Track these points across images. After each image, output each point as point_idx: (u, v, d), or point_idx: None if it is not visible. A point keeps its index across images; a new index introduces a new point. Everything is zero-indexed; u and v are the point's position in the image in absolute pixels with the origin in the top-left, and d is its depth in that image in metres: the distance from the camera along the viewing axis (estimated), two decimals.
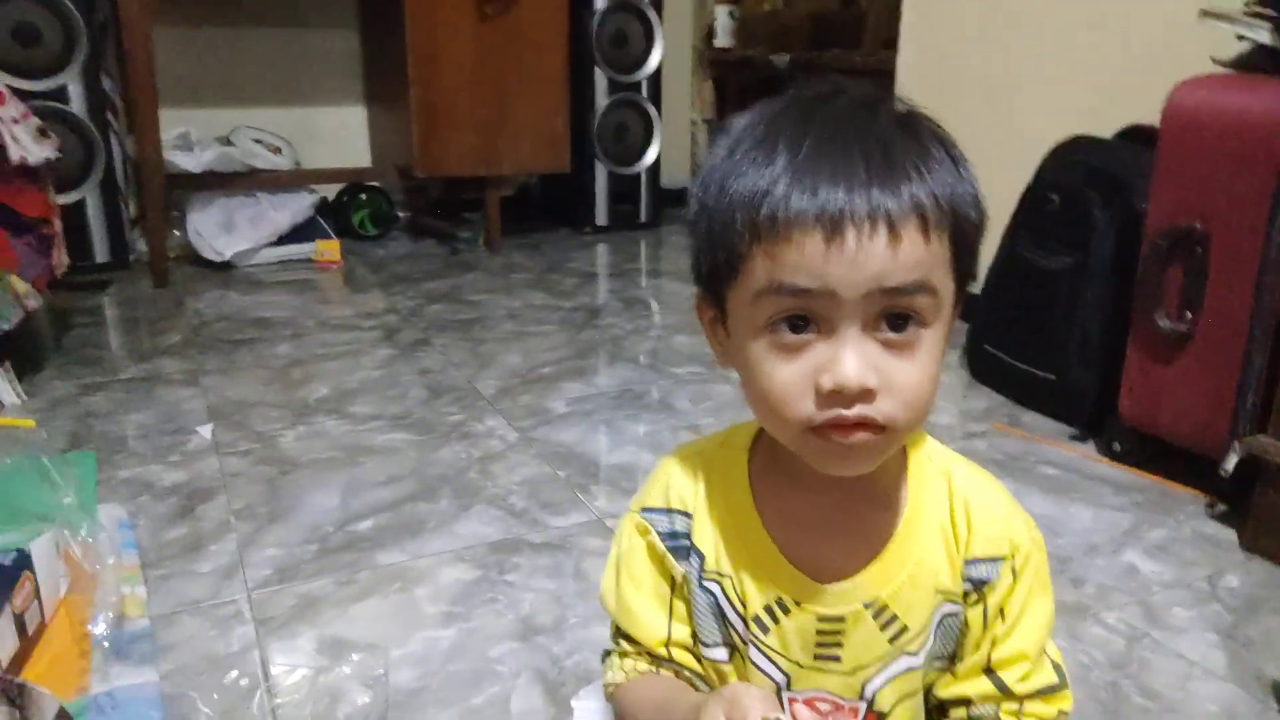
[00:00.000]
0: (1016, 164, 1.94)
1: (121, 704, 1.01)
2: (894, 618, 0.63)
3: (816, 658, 0.65)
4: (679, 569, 0.67)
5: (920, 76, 2.53)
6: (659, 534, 0.67)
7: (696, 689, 0.68)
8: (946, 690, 0.66)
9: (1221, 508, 1.47)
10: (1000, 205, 1.97)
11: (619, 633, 0.70)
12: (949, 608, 0.64)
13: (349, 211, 3.26)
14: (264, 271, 2.90)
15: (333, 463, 1.62)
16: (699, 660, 0.68)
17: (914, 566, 0.63)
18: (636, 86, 3.31)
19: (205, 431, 1.74)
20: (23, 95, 2.48)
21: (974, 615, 0.64)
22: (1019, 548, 0.63)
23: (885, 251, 0.51)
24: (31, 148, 1.87)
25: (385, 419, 1.81)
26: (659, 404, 1.90)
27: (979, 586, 0.63)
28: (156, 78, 2.87)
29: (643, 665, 0.69)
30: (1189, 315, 1.49)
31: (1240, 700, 1.06)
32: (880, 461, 0.58)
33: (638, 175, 3.41)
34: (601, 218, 3.41)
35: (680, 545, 0.67)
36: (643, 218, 3.48)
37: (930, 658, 0.65)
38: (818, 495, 0.63)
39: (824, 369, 0.53)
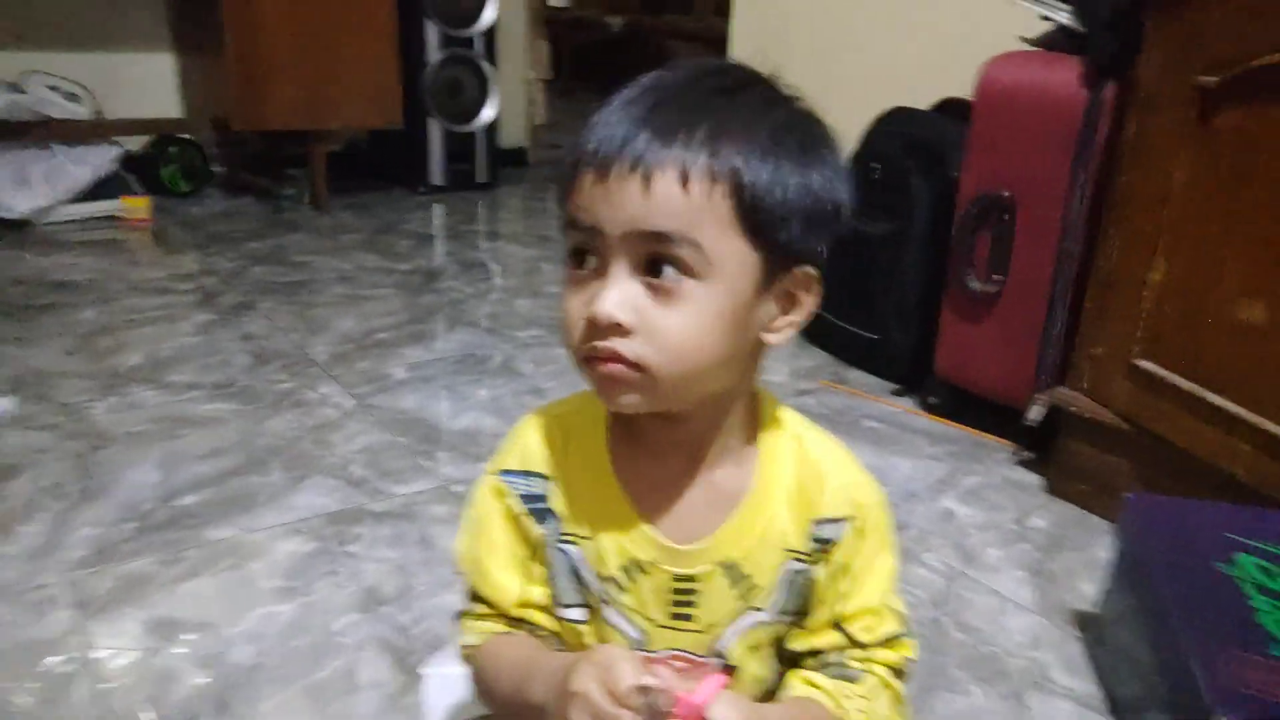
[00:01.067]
0: (844, 132, 2.01)
1: None
2: (745, 576, 0.66)
3: (673, 616, 0.67)
4: (536, 530, 0.67)
5: (752, 44, 2.59)
6: (517, 496, 0.67)
7: (554, 650, 0.69)
8: (798, 643, 0.69)
9: (1028, 455, 1.60)
10: None
11: (473, 595, 0.70)
12: (796, 565, 0.67)
13: (158, 166, 3.04)
14: (64, 230, 2.67)
15: (149, 435, 1.52)
16: (555, 620, 0.69)
17: (764, 527, 0.65)
18: (469, 42, 3.22)
19: (6, 404, 1.59)
20: None
21: (819, 572, 0.67)
22: (864, 509, 0.67)
23: (637, 195, 0.56)
24: None
25: (206, 388, 1.71)
26: (501, 368, 1.88)
27: (825, 545, 0.66)
28: None
29: (499, 627, 0.69)
30: (997, 277, 1.60)
31: (1046, 630, 1.16)
32: (652, 403, 0.60)
33: (473, 134, 3.34)
34: (437, 177, 3.32)
35: (538, 508, 0.67)
36: (480, 178, 3.41)
37: (777, 612, 0.68)
38: (670, 458, 0.65)
39: (590, 301, 0.57)
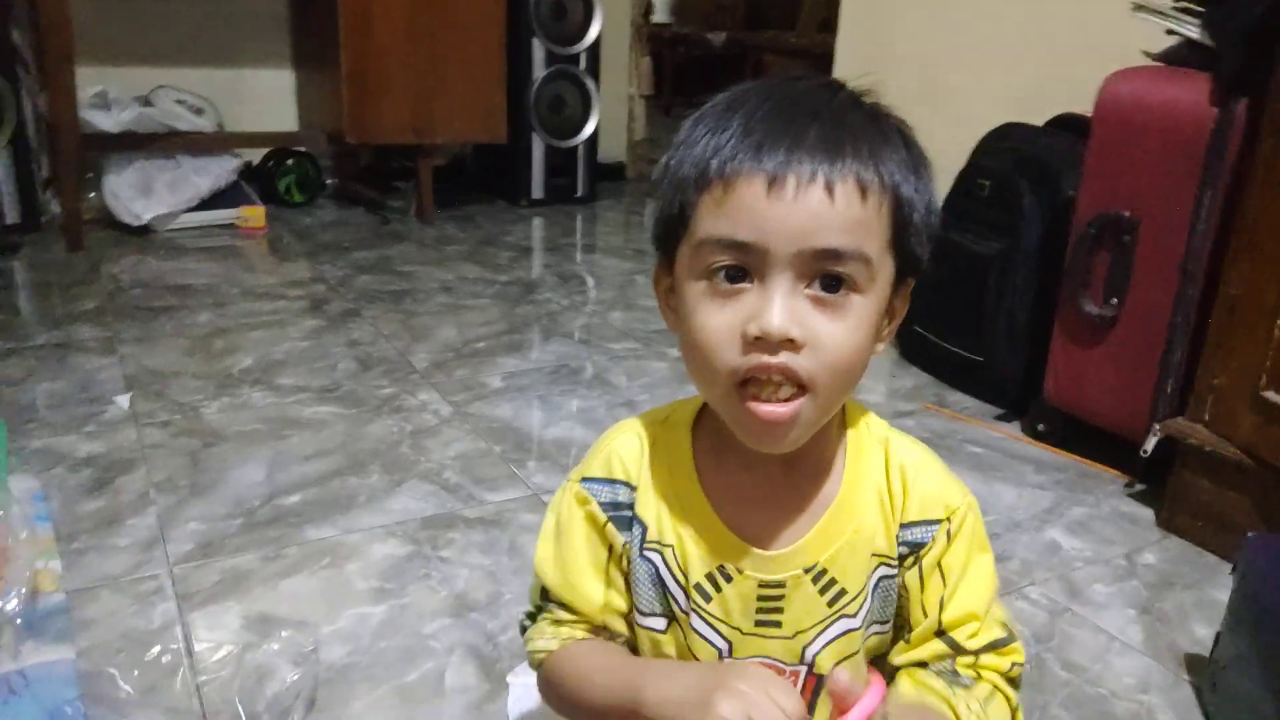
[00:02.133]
0: (949, 149, 1.97)
1: (34, 682, 0.97)
2: (833, 581, 0.65)
3: (758, 624, 0.66)
4: (620, 539, 0.67)
5: (857, 60, 2.55)
6: (600, 504, 0.67)
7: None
8: (901, 657, 0.67)
9: (1140, 487, 1.52)
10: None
11: (549, 600, 0.70)
12: (884, 571, 0.66)
13: (274, 177, 3.16)
14: (184, 237, 2.80)
15: (258, 435, 1.57)
16: (631, 629, 0.69)
17: (852, 532, 0.65)
18: (574, 59, 3.27)
19: (123, 401, 1.67)
20: None
21: (911, 577, 0.66)
22: (954, 511, 0.65)
23: (819, 207, 0.54)
24: None
25: (313, 391, 1.76)
26: (594, 379, 1.89)
27: (915, 549, 0.65)
28: (75, 34, 2.74)
29: (578, 633, 0.69)
30: (1114, 301, 1.53)
31: (1155, 671, 1.10)
32: (804, 436, 0.60)
33: (574, 149, 3.38)
34: (537, 191, 3.37)
35: (622, 515, 0.67)
36: (579, 192, 3.45)
37: (868, 620, 0.67)
38: (760, 468, 0.64)
39: (752, 316, 0.55)
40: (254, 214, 2.90)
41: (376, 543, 1.28)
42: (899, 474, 0.66)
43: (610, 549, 0.68)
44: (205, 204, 2.88)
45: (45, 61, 2.52)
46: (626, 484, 0.67)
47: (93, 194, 2.81)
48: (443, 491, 1.42)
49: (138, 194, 2.76)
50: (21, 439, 1.51)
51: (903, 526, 0.65)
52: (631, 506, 0.67)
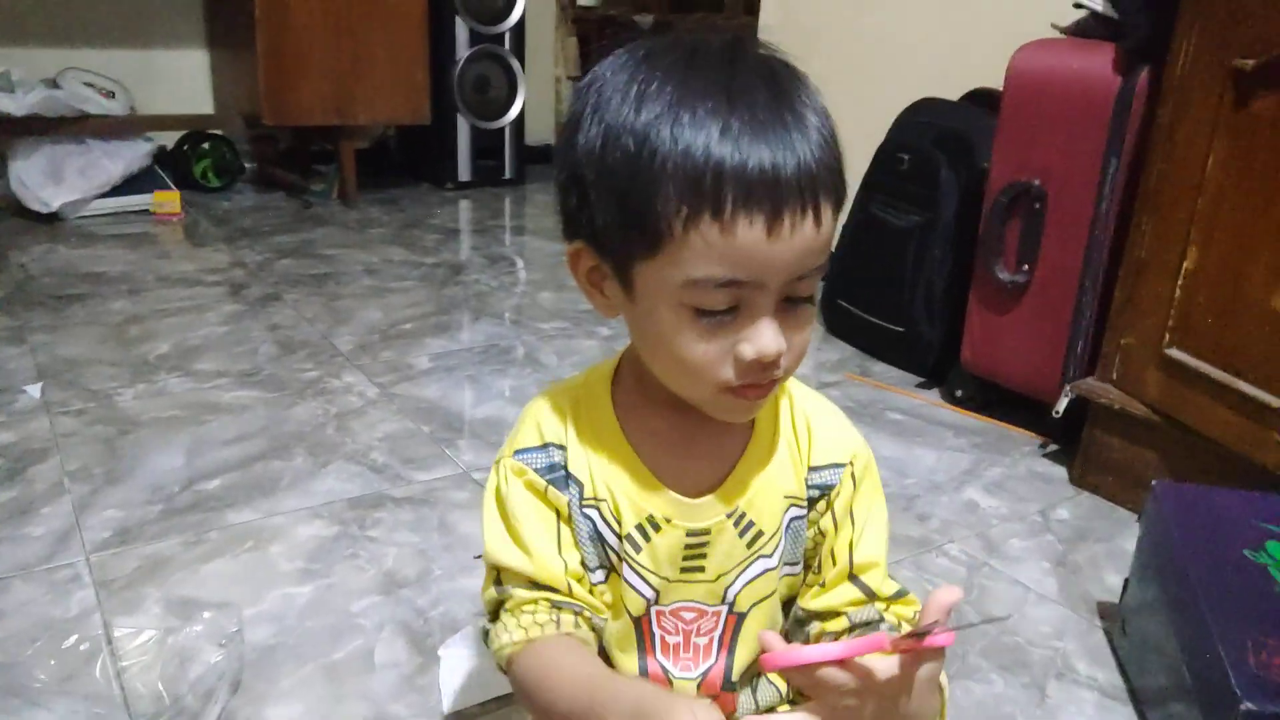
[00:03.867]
0: (870, 126, 2.00)
1: None
2: (751, 524, 0.68)
3: (683, 570, 0.68)
4: (562, 498, 0.67)
5: (779, 40, 2.56)
6: (536, 470, 0.67)
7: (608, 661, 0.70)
8: (816, 601, 0.70)
9: (1053, 447, 1.58)
10: (855, 166, 2.03)
11: (507, 585, 0.67)
12: (796, 511, 0.70)
13: (190, 161, 3.08)
14: (97, 224, 2.71)
15: (176, 421, 1.54)
16: (591, 591, 0.69)
17: (766, 476, 0.68)
18: (499, 39, 3.23)
19: (34, 391, 1.62)
20: None
21: (826, 522, 0.69)
22: (856, 455, 0.70)
23: (809, 238, 0.55)
24: None
25: (232, 376, 1.72)
26: (524, 359, 1.88)
27: (825, 492, 0.69)
28: None
29: (541, 614, 0.65)
30: (1026, 267, 1.58)
31: (1069, 619, 1.14)
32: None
33: (501, 130, 3.35)
34: (464, 173, 3.34)
35: (558, 476, 0.68)
36: (507, 174, 3.42)
37: (782, 559, 0.70)
38: (677, 417, 0.66)
39: (744, 341, 0.57)
40: (168, 199, 2.82)
41: (301, 525, 1.26)
42: (804, 422, 0.70)
43: (557, 513, 0.68)
44: (118, 190, 2.79)
45: None
46: (558, 445, 0.68)
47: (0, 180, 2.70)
48: (369, 472, 1.40)
49: (46, 180, 2.66)
50: None
51: (811, 469, 0.69)
52: (565, 466, 0.67)
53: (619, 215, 0.57)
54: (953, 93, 1.98)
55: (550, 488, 0.67)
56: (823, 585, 0.70)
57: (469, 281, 2.38)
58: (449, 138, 3.26)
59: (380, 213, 3.02)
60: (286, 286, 2.24)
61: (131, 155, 2.83)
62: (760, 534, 0.68)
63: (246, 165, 3.29)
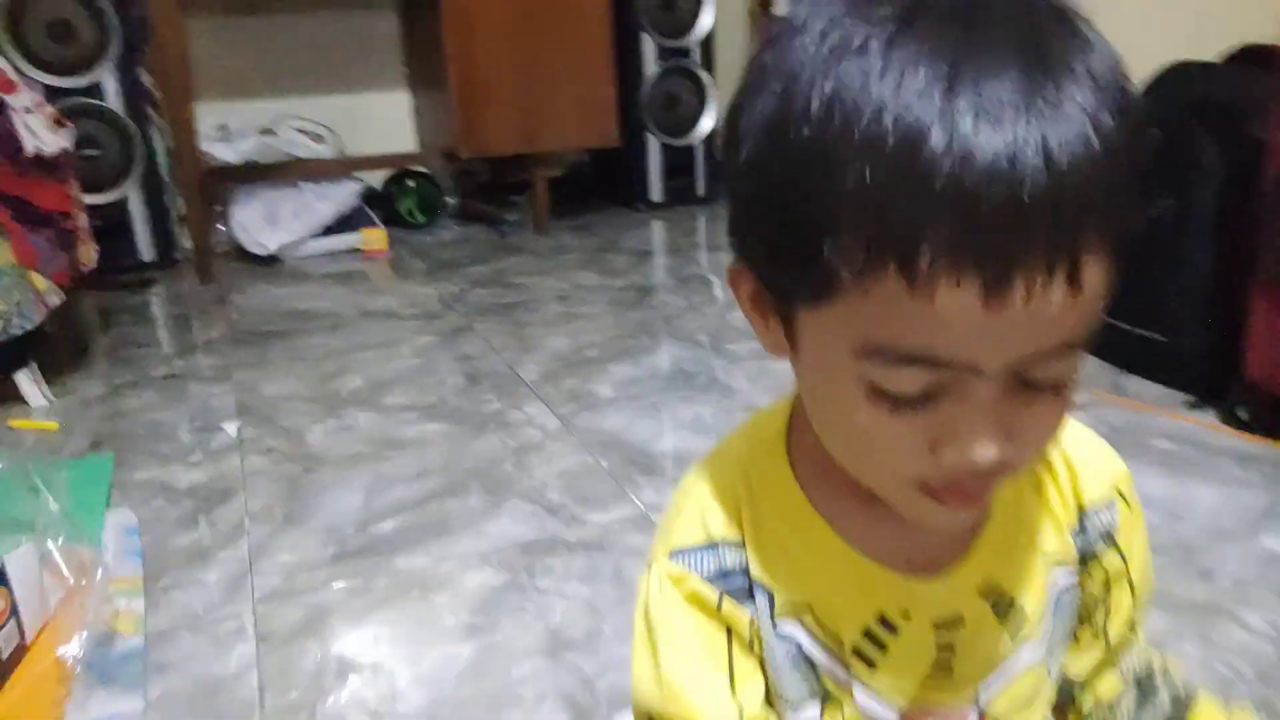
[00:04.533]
0: None
1: None
2: (1012, 602, 0.50)
3: (929, 678, 0.49)
4: (743, 615, 0.49)
5: None
6: (704, 578, 0.49)
7: None
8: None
9: None
10: None
11: None
12: (1064, 579, 0.51)
13: (396, 199, 3.16)
14: (310, 263, 2.81)
15: (359, 459, 1.50)
16: None
17: (1023, 534, 0.50)
18: (686, 52, 3.13)
19: (231, 429, 1.63)
20: (58, 92, 2.44)
21: (1110, 563, 0.53)
22: (1124, 476, 0.53)
23: (1060, 310, 0.35)
24: (47, 137, 1.79)
25: (418, 409, 1.68)
26: (714, 384, 1.73)
27: (1107, 537, 0.52)
28: (196, 70, 2.81)
29: None
30: None
31: None
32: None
33: (691, 147, 3.23)
34: (656, 194, 3.24)
35: (737, 585, 0.49)
36: (700, 192, 3.30)
37: (1050, 646, 0.52)
38: None
39: (948, 436, 0.39)
40: (376, 236, 2.89)
41: (470, 571, 1.16)
42: (1058, 454, 0.51)
43: (730, 633, 0.49)
44: (330, 229, 2.89)
45: (167, 100, 2.58)
46: (732, 543, 0.49)
47: (222, 227, 2.86)
48: (544, 513, 1.29)
49: (264, 224, 2.80)
50: (128, 471, 1.48)
51: (1084, 513, 0.51)
52: (746, 571, 0.49)
53: (773, 239, 0.40)
54: (1212, 54, 1.66)
55: (726, 600, 0.48)
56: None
57: (658, 304, 2.26)
58: (639, 158, 3.18)
59: (572, 238, 2.98)
60: (478, 316, 2.21)
61: (341, 196, 2.93)
62: (1024, 615, 0.50)
63: (449, 201, 3.35)
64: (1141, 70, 1.68)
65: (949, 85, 0.34)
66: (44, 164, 1.79)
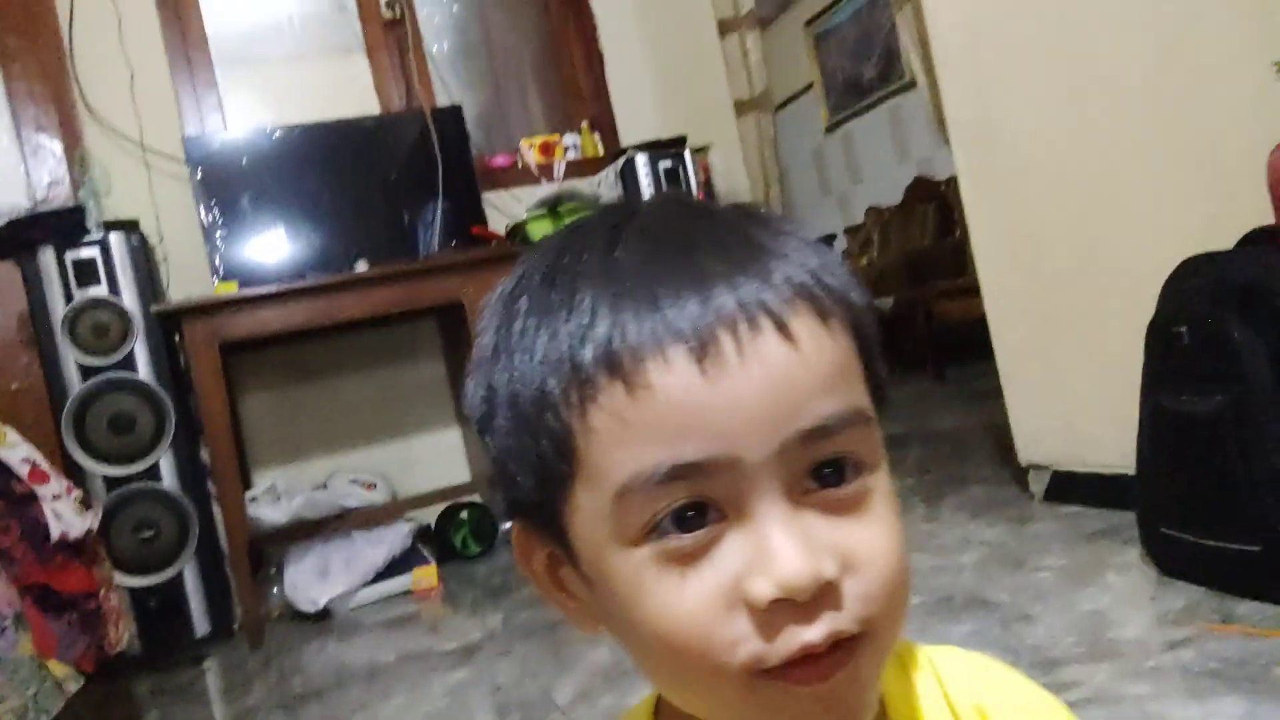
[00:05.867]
0: (1130, 314, 1.64)
1: None
2: None
3: None
4: None
5: (997, 256, 2.26)
6: None
7: None
8: None
9: None
10: (1128, 362, 1.64)
11: None
12: None
13: (449, 533, 3.13)
14: (362, 613, 2.74)
15: None
16: None
17: None
18: None
19: None
20: (118, 480, 2.56)
21: None
22: None
23: (781, 362, 0.35)
24: (74, 521, 1.82)
25: None
26: None
27: None
28: (253, 441, 2.95)
29: None
30: None
31: None
32: (874, 701, 0.38)
33: None
34: None
35: None
36: None
37: None
38: None
39: (751, 571, 0.35)
40: (425, 575, 2.84)
41: None
42: (971, 706, 0.42)
43: None
44: (381, 575, 2.85)
45: (216, 480, 2.66)
46: None
47: (276, 589, 2.85)
48: None
49: (315, 579, 2.77)
50: None
51: None
52: None
53: (518, 457, 0.40)
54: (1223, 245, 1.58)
55: None
56: None
57: None
58: None
59: None
60: (519, 640, 2.08)
61: (394, 538, 2.92)
62: None
63: (503, 527, 3.31)
64: (1156, 277, 1.59)
65: (610, 267, 0.38)
66: (69, 546, 1.81)
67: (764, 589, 0.34)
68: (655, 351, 0.35)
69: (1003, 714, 0.43)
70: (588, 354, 0.35)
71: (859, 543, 0.36)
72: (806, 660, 0.34)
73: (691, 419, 0.34)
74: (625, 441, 0.35)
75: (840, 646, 0.35)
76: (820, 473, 0.36)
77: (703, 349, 0.34)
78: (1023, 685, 0.45)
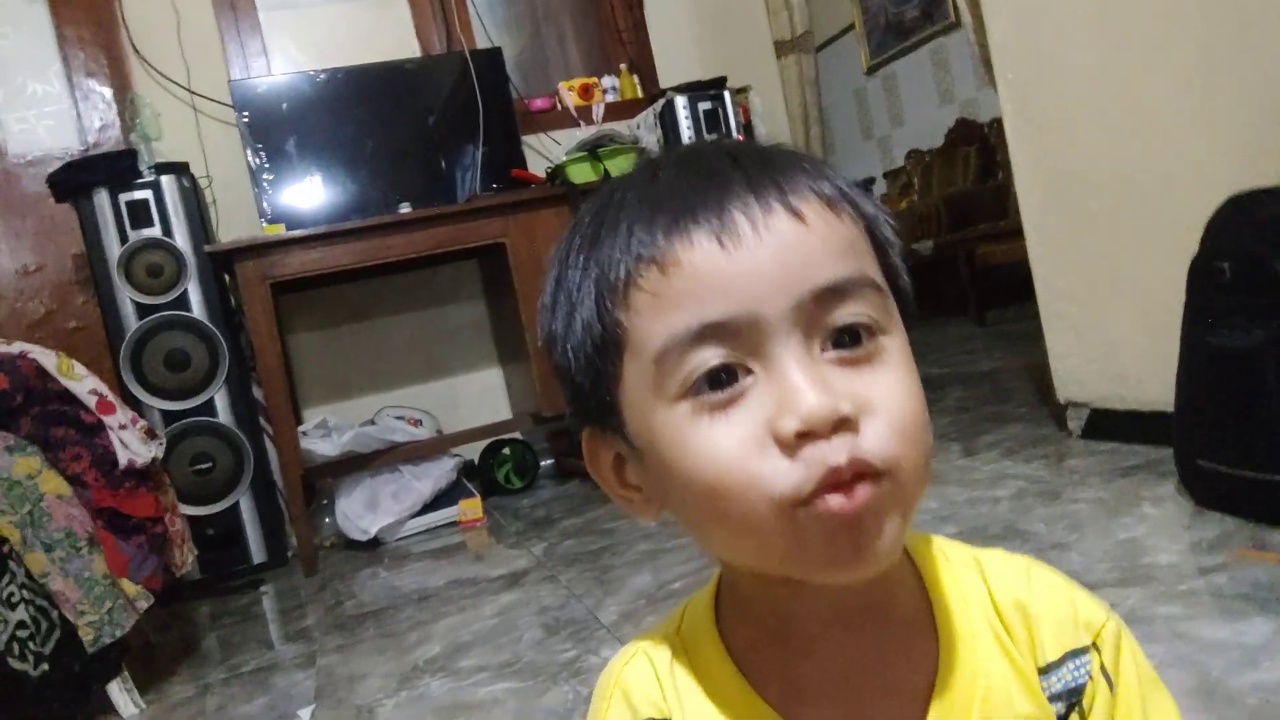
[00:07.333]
0: (1172, 253, 1.64)
1: None
2: None
3: None
4: None
5: (1044, 193, 2.26)
6: None
7: None
8: None
9: None
10: (1169, 300, 1.65)
11: None
12: None
13: (493, 469, 3.22)
14: (410, 543, 2.83)
15: None
16: None
17: (983, 697, 0.44)
18: None
19: (305, 715, 1.58)
20: (175, 415, 2.65)
21: None
22: (1102, 627, 0.45)
23: (793, 236, 0.41)
24: (139, 449, 1.91)
25: (491, 669, 1.60)
26: None
27: (1070, 702, 0.44)
28: (302, 379, 3.03)
29: None
30: None
31: None
32: (896, 549, 0.40)
33: None
34: None
35: None
36: None
37: None
38: (824, 646, 0.44)
39: (778, 413, 0.39)
40: (471, 507, 2.92)
41: None
42: (1011, 603, 0.46)
43: None
44: (429, 507, 2.94)
45: (270, 414, 2.75)
46: None
47: (328, 519, 2.95)
48: None
49: (365, 510, 2.87)
50: None
51: (1043, 673, 0.44)
52: None
53: (578, 353, 0.45)
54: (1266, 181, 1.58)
55: None
56: None
57: None
58: None
59: None
60: (564, 567, 2.15)
61: (439, 473, 3.00)
62: None
63: (545, 463, 3.39)
64: (1199, 215, 1.60)
65: (654, 191, 0.44)
66: (136, 474, 1.90)
67: (789, 424, 0.38)
68: (682, 235, 0.40)
69: (1037, 596, 0.47)
70: (630, 254, 0.42)
71: (874, 390, 0.40)
72: (836, 488, 0.38)
73: (715, 285, 0.40)
74: (661, 311, 0.41)
75: (866, 478, 0.39)
76: (839, 339, 0.41)
77: (722, 227, 0.40)
78: (1063, 587, 0.49)
